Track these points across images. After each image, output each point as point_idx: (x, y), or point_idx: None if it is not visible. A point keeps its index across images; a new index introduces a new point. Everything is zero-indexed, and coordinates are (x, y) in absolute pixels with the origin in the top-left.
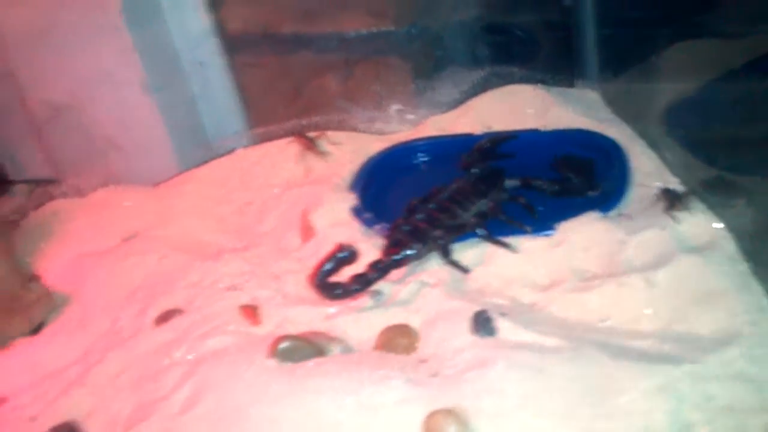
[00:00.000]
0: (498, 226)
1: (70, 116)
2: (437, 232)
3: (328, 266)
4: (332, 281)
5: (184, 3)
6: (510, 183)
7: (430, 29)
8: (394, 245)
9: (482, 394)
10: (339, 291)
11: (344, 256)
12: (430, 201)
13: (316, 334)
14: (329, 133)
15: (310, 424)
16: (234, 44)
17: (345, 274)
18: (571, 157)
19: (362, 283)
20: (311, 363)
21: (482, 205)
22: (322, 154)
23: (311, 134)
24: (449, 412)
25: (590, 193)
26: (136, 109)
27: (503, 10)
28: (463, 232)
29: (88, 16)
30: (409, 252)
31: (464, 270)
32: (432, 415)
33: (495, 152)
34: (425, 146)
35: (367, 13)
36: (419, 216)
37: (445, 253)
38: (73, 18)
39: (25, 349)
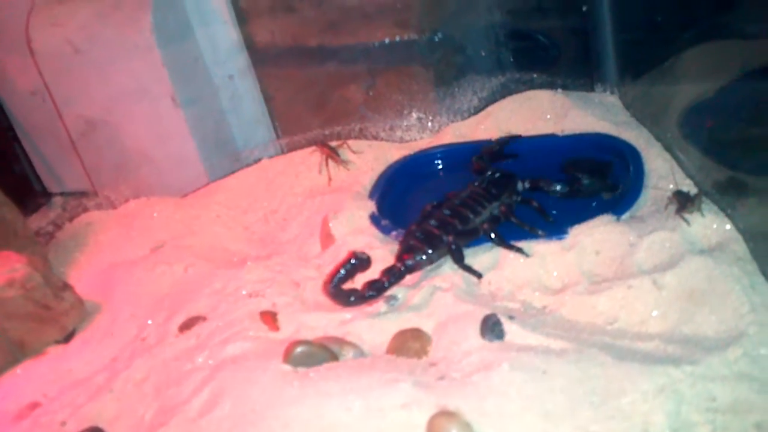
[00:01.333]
0: (511, 230)
1: (103, 131)
2: (449, 237)
3: (341, 274)
4: (347, 288)
5: (214, 19)
6: (520, 186)
7: (450, 38)
8: (407, 251)
9: (486, 396)
10: (353, 298)
11: (356, 263)
12: (444, 206)
13: (330, 339)
14: (350, 142)
15: (320, 426)
16: (262, 57)
17: (359, 281)
18: (582, 160)
19: (376, 289)
20: (324, 367)
21: (494, 209)
22: (343, 162)
23: (333, 143)
24: (452, 414)
25: (604, 195)
26: (166, 123)
27: (522, 17)
28: (475, 237)
29: (121, 34)
30: (421, 257)
31: (477, 275)
32: (435, 417)
33: (503, 153)
34: (443, 153)
35: (390, 24)
36: (432, 221)
37: (458, 258)
38: (107, 36)
39: (57, 356)
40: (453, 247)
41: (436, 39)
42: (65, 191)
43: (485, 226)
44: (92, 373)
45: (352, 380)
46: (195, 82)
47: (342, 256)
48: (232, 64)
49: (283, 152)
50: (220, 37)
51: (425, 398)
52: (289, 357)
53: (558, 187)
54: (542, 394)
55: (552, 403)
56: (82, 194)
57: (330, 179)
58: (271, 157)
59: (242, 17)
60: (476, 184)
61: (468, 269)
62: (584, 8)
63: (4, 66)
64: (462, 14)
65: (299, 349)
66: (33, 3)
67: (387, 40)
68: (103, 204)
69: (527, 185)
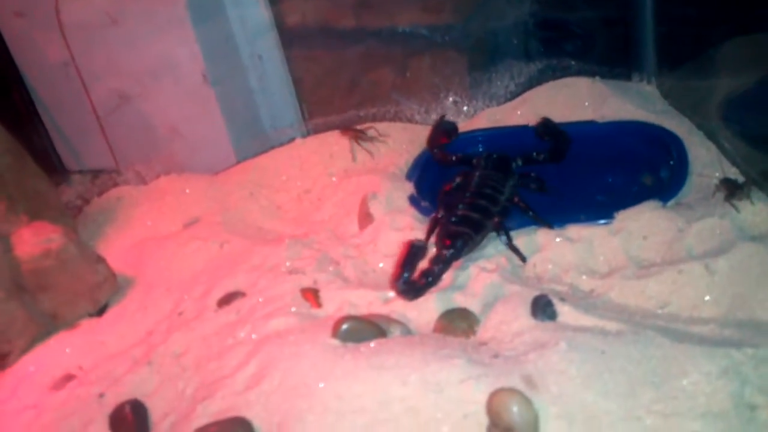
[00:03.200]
0: (555, 214)
1: (132, 106)
2: (495, 219)
3: (408, 268)
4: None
5: None
6: (514, 165)
7: (486, 23)
8: (450, 237)
9: (545, 374)
10: (416, 291)
11: (416, 252)
12: (464, 191)
13: (376, 316)
14: (384, 125)
15: (375, 399)
16: (291, 38)
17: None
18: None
19: (432, 276)
20: (373, 343)
21: (510, 188)
22: (371, 144)
23: (359, 127)
24: (513, 391)
25: (646, 180)
26: (196, 101)
27: (560, 4)
28: (506, 217)
29: (154, 8)
30: (466, 242)
31: (522, 257)
32: (496, 394)
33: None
34: (482, 137)
35: (424, 7)
36: (462, 206)
37: (508, 239)
38: (140, 10)
39: (90, 329)
40: (502, 227)
41: (470, 25)
42: (84, 169)
43: (520, 203)
44: (128, 346)
45: (406, 355)
46: (225, 60)
47: (380, 235)
48: (261, 44)
49: (309, 134)
50: (251, 16)
51: (483, 375)
52: (337, 332)
53: (543, 156)
54: (602, 373)
55: (612, 382)
56: (103, 172)
57: (360, 161)
58: (304, 136)
59: None
60: (476, 169)
61: (516, 250)
62: None
63: (28, 39)
64: (497, 1)
65: (348, 325)
66: None
67: (420, 24)
68: (133, 180)
69: (520, 162)
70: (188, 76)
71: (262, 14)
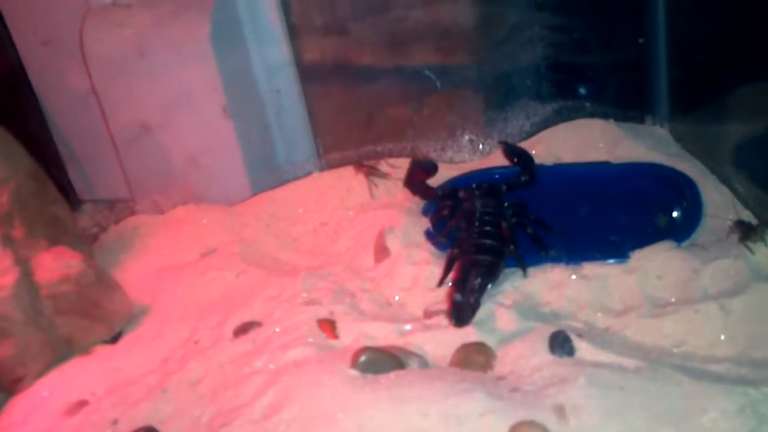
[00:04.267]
0: (572, 251)
1: (152, 137)
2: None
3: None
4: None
5: (266, 33)
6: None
7: (501, 65)
8: (474, 266)
9: (564, 409)
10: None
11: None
12: (469, 222)
13: (394, 348)
14: (400, 161)
15: (395, 430)
16: (309, 73)
17: None
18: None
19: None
20: (393, 374)
21: (509, 218)
22: (383, 179)
23: (373, 163)
24: (534, 424)
25: (659, 222)
26: (215, 133)
27: (574, 48)
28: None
29: (178, 42)
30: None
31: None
32: (517, 427)
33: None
34: (497, 174)
35: (440, 49)
36: (477, 236)
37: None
38: (163, 43)
39: (104, 355)
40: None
41: (485, 66)
42: (96, 198)
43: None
44: (142, 373)
45: (426, 388)
46: (245, 94)
47: (397, 270)
48: (279, 79)
49: (324, 169)
50: (271, 52)
51: (502, 408)
52: (356, 362)
53: (523, 178)
54: (622, 409)
55: (633, 418)
56: (118, 203)
57: (376, 196)
58: (319, 171)
59: (294, 33)
60: (468, 201)
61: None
62: (641, 41)
63: (50, 68)
64: (512, 43)
65: (367, 356)
66: (88, 7)
67: (436, 63)
68: (149, 209)
69: (504, 188)
70: (208, 109)
71: (281, 50)
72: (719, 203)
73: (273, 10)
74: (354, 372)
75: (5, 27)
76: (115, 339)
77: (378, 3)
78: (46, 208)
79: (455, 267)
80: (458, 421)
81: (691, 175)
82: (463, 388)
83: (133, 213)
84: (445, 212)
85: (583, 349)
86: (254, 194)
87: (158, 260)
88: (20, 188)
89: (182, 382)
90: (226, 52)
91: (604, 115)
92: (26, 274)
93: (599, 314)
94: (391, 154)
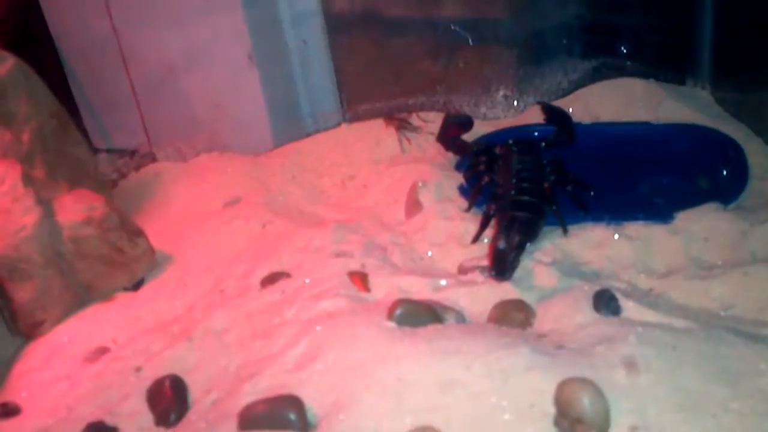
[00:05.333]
0: (615, 210)
1: (175, 81)
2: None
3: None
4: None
5: None
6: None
7: (539, 20)
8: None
9: (616, 367)
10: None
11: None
12: (506, 179)
13: (430, 302)
14: (432, 115)
15: (437, 383)
16: (337, 25)
17: None
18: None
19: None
20: (430, 328)
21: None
22: (414, 132)
23: (401, 115)
24: (585, 381)
25: (701, 183)
26: (240, 81)
27: (615, 6)
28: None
29: None
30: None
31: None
32: (566, 383)
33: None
34: (536, 132)
35: (474, 1)
36: (514, 192)
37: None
38: None
39: (126, 302)
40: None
41: (522, 19)
42: (112, 148)
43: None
44: (165, 321)
45: (467, 341)
46: (271, 43)
47: (430, 224)
48: (306, 29)
49: (346, 123)
50: (299, 1)
51: (549, 364)
52: (392, 315)
53: (562, 137)
54: (674, 369)
55: (686, 378)
56: (133, 153)
57: (407, 149)
58: (350, 122)
59: None
60: (506, 157)
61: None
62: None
63: (67, 9)
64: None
65: (403, 308)
66: None
67: (470, 17)
68: (172, 156)
69: (543, 145)
70: (234, 55)
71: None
72: (765, 165)
73: None
74: (391, 324)
75: None
76: (136, 286)
77: None
78: (67, 150)
79: (492, 224)
80: (503, 376)
81: (736, 138)
82: (506, 342)
83: (154, 160)
84: (481, 168)
85: (630, 308)
86: (276, 145)
87: (181, 208)
88: (42, 128)
89: (208, 331)
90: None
91: (644, 75)
92: (48, 215)
93: (642, 275)
94: (422, 108)
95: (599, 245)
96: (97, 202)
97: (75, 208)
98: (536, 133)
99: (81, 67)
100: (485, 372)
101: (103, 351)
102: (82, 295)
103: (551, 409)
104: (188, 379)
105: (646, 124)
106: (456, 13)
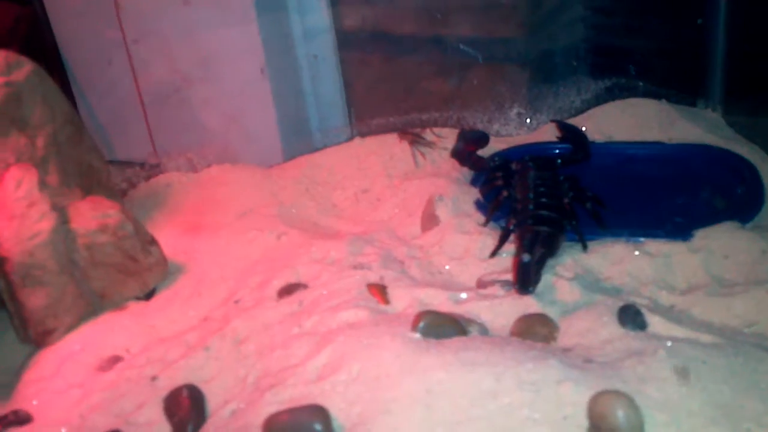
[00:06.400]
0: (633, 227)
1: (188, 92)
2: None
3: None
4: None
5: None
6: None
7: (550, 41)
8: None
9: (647, 381)
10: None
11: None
12: (524, 194)
13: (453, 314)
14: (435, 130)
15: (467, 395)
16: (347, 41)
17: None
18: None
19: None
20: (456, 339)
21: (566, 192)
22: (429, 147)
23: (415, 130)
24: (619, 394)
25: (718, 204)
26: (252, 94)
27: (625, 29)
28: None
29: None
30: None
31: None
32: (599, 396)
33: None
34: (556, 149)
35: (487, 20)
36: (532, 207)
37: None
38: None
39: (139, 311)
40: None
41: (535, 39)
42: (116, 160)
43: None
44: (180, 331)
45: (495, 353)
46: (283, 57)
47: (446, 238)
48: (318, 45)
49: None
50: (311, 16)
51: (581, 378)
52: (417, 326)
53: (577, 155)
54: (706, 383)
55: (718, 392)
56: (137, 165)
57: (421, 165)
58: (363, 136)
59: None
60: (522, 174)
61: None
62: (699, 21)
63: (75, 16)
64: (561, 19)
65: (428, 319)
66: None
67: (481, 35)
68: (182, 167)
69: (559, 162)
70: (247, 69)
71: (321, 15)
72: None
73: None
74: (416, 335)
75: None
76: (148, 296)
77: None
78: (81, 157)
79: (511, 239)
80: (534, 388)
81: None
82: (535, 355)
83: (162, 171)
84: (499, 183)
85: (656, 323)
86: (285, 159)
87: (192, 218)
88: (57, 133)
89: (225, 341)
90: (267, 12)
91: (655, 96)
92: (63, 221)
93: (663, 291)
94: (435, 124)
95: (619, 261)
96: (112, 210)
97: (90, 215)
98: (557, 150)
99: (87, 78)
100: (516, 384)
101: (116, 360)
102: (95, 304)
103: (585, 422)
104: (205, 389)
105: (659, 143)
106: (467, 32)
